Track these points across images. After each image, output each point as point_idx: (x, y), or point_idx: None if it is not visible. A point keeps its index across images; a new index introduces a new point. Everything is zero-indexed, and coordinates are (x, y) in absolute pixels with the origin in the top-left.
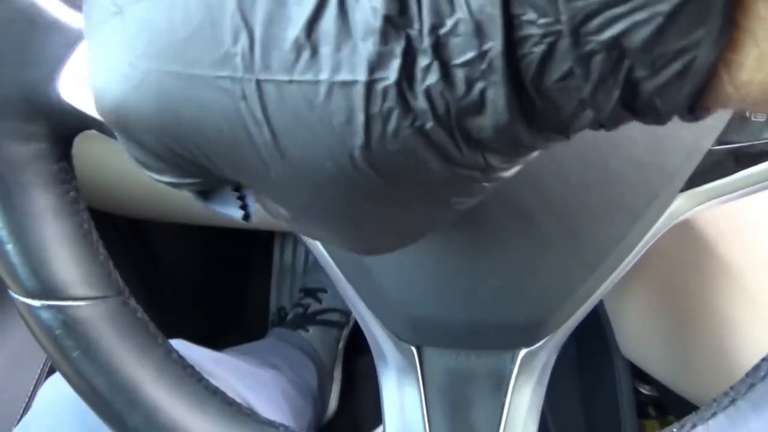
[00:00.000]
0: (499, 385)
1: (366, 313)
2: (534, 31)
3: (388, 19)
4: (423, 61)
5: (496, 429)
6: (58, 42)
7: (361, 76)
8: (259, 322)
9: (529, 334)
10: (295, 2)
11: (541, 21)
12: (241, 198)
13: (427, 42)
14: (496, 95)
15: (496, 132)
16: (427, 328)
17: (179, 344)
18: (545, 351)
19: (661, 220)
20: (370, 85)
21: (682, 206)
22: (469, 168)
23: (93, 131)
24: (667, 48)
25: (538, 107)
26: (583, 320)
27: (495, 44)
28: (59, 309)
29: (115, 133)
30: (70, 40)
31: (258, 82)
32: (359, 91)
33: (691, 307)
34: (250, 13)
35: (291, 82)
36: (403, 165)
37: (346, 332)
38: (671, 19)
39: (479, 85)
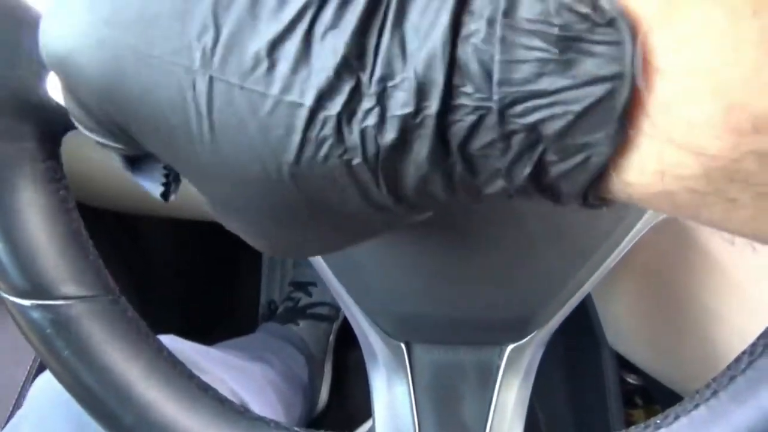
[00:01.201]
0: (486, 380)
1: (355, 310)
2: (468, 102)
3: (345, 60)
4: (366, 104)
5: (484, 423)
6: None
7: (308, 101)
8: (249, 317)
9: (515, 329)
10: (267, 19)
11: (476, 95)
12: (167, 176)
13: (374, 89)
14: (421, 148)
15: (415, 181)
16: (415, 324)
17: (169, 339)
18: (532, 346)
19: (648, 214)
20: (313, 111)
21: None
22: (382, 208)
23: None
24: (574, 141)
25: (457, 169)
26: (570, 312)
27: (432, 105)
28: (49, 308)
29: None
30: None
31: (211, 78)
32: (302, 114)
33: (677, 299)
34: (222, 16)
35: (242, 88)
36: (325, 188)
37: (336, 325)
38: (580, 117)
39: (409, 137)
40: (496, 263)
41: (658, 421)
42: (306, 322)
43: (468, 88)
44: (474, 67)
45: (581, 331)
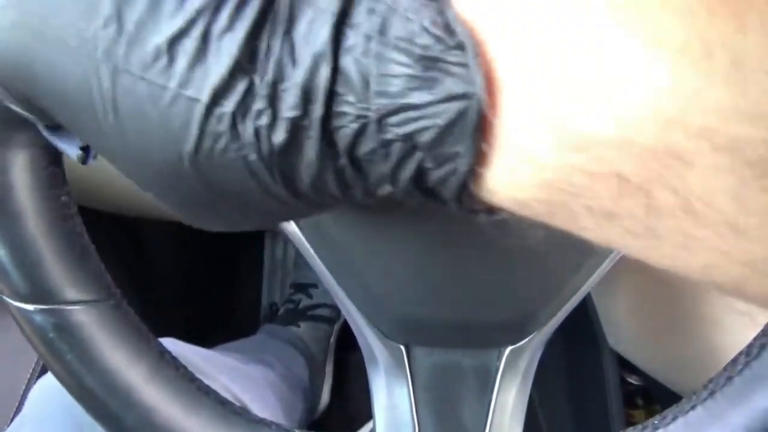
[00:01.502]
0: (485, 382)
1: (354, 313)
2: (350, 110)
3: (238, 63)
4: (258, 104)
5: (483, 424)
6: None
7: (204, 98)
8: (250, 319)
9: (514, 332)
10: (168, 16)
11: (358, 105)
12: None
13: (265, 91)
14: (310, 149)
15: (310, 179)
16: (414, 327)
17: (169, 342)
18: (530, 348)
19: None
20: (209, 108)
21: None
22: (283, 201)
23: None
24: (443, 150)
25: (347, 171)
26: (571, 313)
27: (317, 110)
28: (52, 313)
29: None
30: None
31: (115, 67)
32: (199, 109)
33: (676, 299)
34: (124, 9)
35: (143, 79)
36: (227, 178)
37: (337, 327)
38: (445, 130)
39: (299, 137)
40: (494, 266)
41: (656, 422)
42: (307, 324)
43: (350, 97)
44: (355, 77)
45: (581, 332)
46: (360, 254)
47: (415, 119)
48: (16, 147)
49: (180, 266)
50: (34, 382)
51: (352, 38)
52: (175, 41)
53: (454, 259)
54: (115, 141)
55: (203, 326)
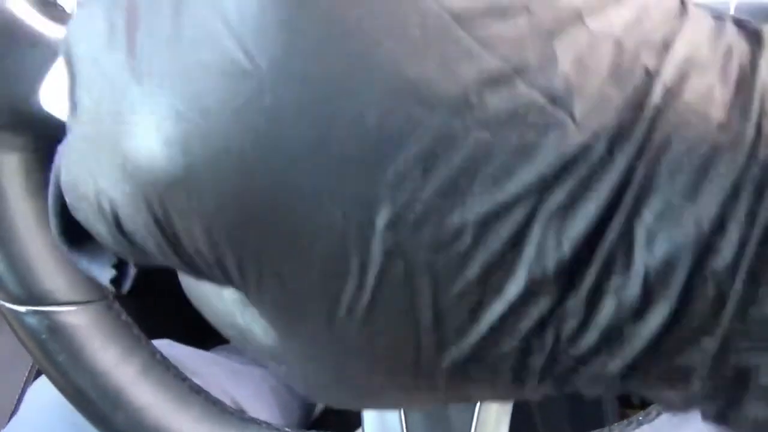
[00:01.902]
0: None
1: None
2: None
3: (575, 257)
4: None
5: (470, 424)
6: (39, 54)
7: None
8: None
9: None
10: (479, 191)
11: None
12: (118, 266)
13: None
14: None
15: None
16: None
17: (165, 344)
18: None
19: None
20: (514, 308)
21: None
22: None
23: None
24: None
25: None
26: None
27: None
28: (44, 314)
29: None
30: (51, 51)
31: (397, 244)
32: (497, 309)
33: None
34: (428, 174)
35: (430, 263)
36: (472, 385)
37: None
38: None
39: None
40: None
41: (641, 418)
42: None
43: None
44: (710, 292)
45: None
46: None
47: None
48: (8, 150)
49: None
50: (32, 383)
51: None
52: (489, 219)
53: None
54: (345, 334)
55: (201, 329)
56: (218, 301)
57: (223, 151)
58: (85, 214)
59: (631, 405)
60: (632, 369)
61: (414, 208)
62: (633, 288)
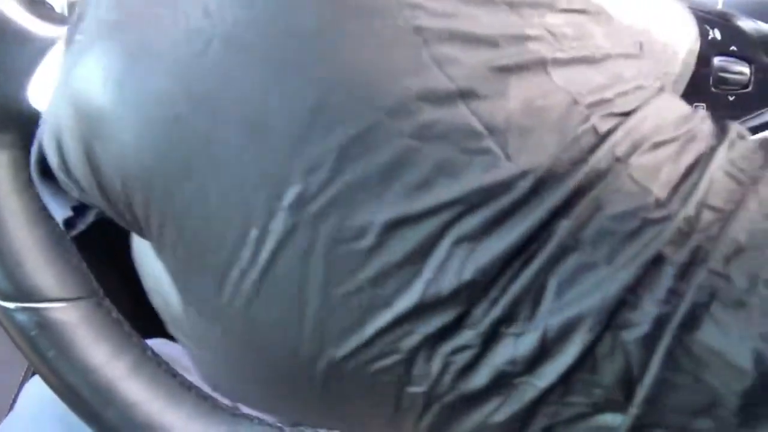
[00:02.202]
0: None
1: None
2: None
3: (472, 282)
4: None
5: None
6: (27, 51)
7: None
8: None
9: None
10: (394, 197)
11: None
12: (78, 208)
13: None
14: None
15: None
16: None
17: (160, 343)
18: None
19: None
20: (399, 320)
21: None
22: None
23: None
24: None
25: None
26: None
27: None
28: (34, 311)
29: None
30: (39, 49)
31: (295, 225)
32: (385, 316)
33: None
34: (345, 165)
35: (328, 254)
36: (354, 393)
37: None
38: None
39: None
40: None
41: None
42: None
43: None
44: (617, 365)
45: None
46: None
47: None
48: None
49: None
50: (28, 381)
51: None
52: (393, 227)
53: None
54: (230, 311)
55: None
56: (151, 267)
57: (156, 94)
58: (46, 140)
59: None
60: (521, 424)
61: (324, 194)
62: (530, 340)
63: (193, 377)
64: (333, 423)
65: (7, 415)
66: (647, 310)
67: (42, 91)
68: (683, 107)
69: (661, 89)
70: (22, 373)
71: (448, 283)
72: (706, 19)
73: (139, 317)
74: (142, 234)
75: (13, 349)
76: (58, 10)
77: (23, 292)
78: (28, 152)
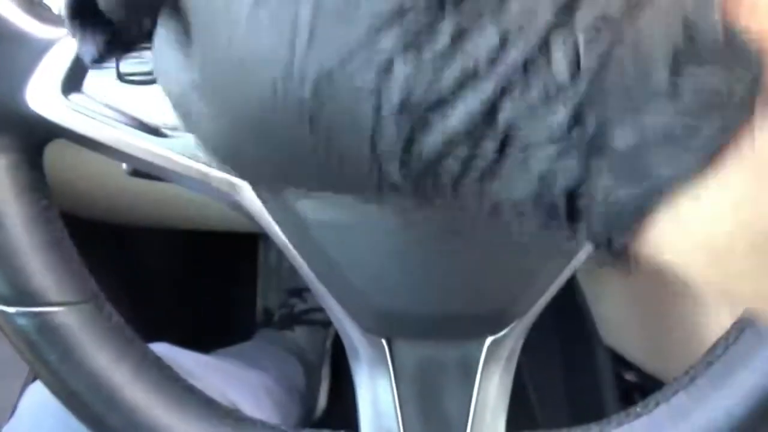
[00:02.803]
0: (467, 373)
1: (336, 308)
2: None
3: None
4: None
5: (467, 414)
6: (25, 53)
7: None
8: (246, 324)
9: (494, 322)
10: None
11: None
12: (112, 40)
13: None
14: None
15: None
16: (394, 320)
17: (162, 347)
18: (511, 338)
19: None
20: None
21: None
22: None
23: (63, 139)
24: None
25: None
26: (564, 308)
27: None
28: (34, 315)
29: None
30: (37, 51)
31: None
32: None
33: (668, 293)
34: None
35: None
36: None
37: (332, 330)
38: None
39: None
40: (472, 256)
41: (639, 410)
42: (302, 328)
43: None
44: None
45: (575, 328)
46: (339, 248)
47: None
48: None
49: (174, 274)
50: (29, 386)
51: None
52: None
53: (433, 251)
54: (234, 35)
55: (198, 332)
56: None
57: None
58: None
59: (633, 402)
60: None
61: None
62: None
63: (197, 382)
64: (324, 177)
65: (8, 420)
66: None
67: (40, 94)
68: None
69: None
70: (23, 378)
71: None
72: None
73: (140, 322)
74: None
75: (14, 353)
76: (55, 11)
77: (24, 296)
78: (26, 156)
